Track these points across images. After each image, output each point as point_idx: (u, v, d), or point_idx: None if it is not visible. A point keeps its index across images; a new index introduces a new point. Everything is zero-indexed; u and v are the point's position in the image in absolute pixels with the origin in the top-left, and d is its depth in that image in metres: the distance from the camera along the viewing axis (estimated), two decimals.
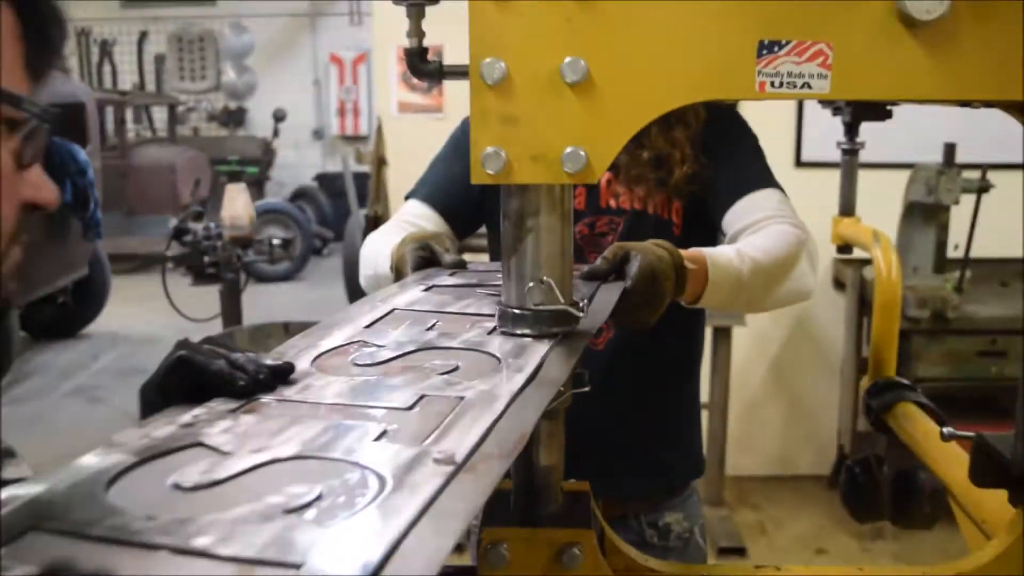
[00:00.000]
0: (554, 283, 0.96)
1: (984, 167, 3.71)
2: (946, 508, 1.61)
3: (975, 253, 3.86)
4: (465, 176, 1.77)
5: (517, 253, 0.97)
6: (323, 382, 0.86)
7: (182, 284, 4.59)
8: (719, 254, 1.41)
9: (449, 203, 1.76)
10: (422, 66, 0.95)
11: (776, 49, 0.86)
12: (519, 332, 0.98)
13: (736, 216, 1.61)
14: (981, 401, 4.10)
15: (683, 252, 1.32)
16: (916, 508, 1.64)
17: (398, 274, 1.41)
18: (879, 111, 1.82)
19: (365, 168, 6.12)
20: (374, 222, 4.81)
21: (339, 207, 10.64)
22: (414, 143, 4.63)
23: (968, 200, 3.71)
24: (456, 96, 4.57)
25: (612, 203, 1.74)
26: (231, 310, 4.69)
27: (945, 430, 1.27)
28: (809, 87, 0.86)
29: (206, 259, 4.08)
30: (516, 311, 0.98)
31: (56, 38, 0.81)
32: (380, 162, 4.73)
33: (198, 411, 0.79)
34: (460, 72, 0.94)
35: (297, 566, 0.52)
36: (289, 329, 4.58)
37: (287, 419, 0.77)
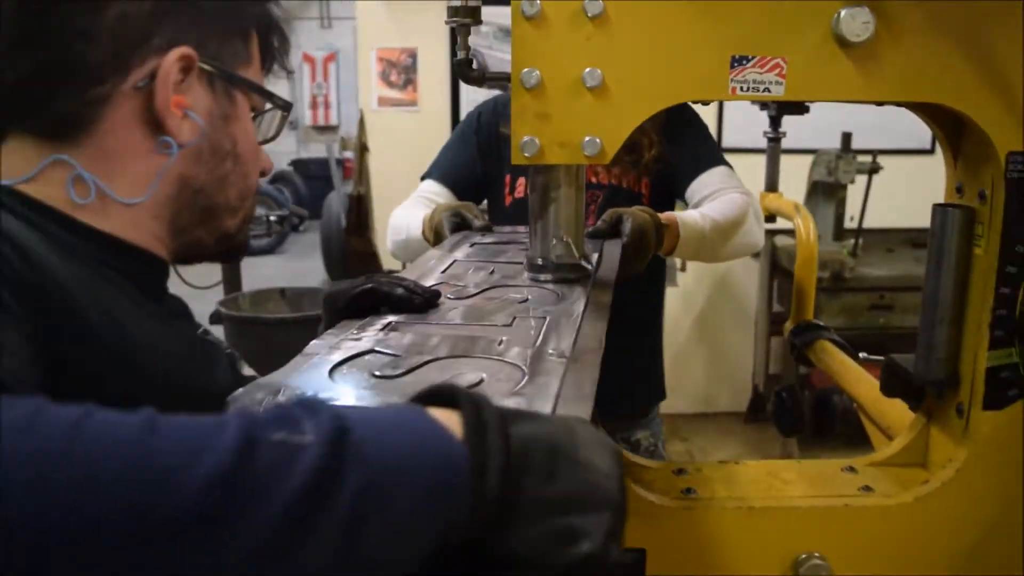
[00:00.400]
0: (571, 241, 1.10)
1: (875, 152, 3.91)
2: (854, 424, 1.78)
3: (867, 224, 4.06)
4: (468, 160, 1.95)
5: (543, 218, 1.10)
6: (438, 308, 1.01)
7: None
8: (686, 215, 1.60)
9: (458, 182, 1.93)
10: (469, 73, 1.06)
11: (745, 62, 0.99)
12: (542, 278, 1.12)
13: (696, 189, 1.80)
14: (872, 347, 4.31)
15: (660, 215, 1.50)
16: (831, 424, 1.81)
17: (437, 236, 1.55)
18: (798, 107, 1.97)
19: (348, 154, 6.19)
20: (357, 201, 4.89)
21: (313, 189, 10.61)
22: (392, 132, 4.72)
23: (861, 180, 3.91)
24: (428, 92, 4.63)
25: (594, 179, 1.91)
26: (232, 278, 4.73)
27: (861, 355, 1.43)
28: (769, 91, 1.00)
29: None
30: (540, 262, 1.12)
31: (283, 42, 0.92)
32: (363, 149, 4.78)
33: (356, 329, 0.92)
34: (499, 78, 1.05)
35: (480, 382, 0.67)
36: (285, 294, 4.64)
37: (428, 333, 0.90)
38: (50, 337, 0.67)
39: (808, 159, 4.10)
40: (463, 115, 4.57)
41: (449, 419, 0.51)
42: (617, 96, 1.00)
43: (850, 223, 4.11)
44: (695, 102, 1.91)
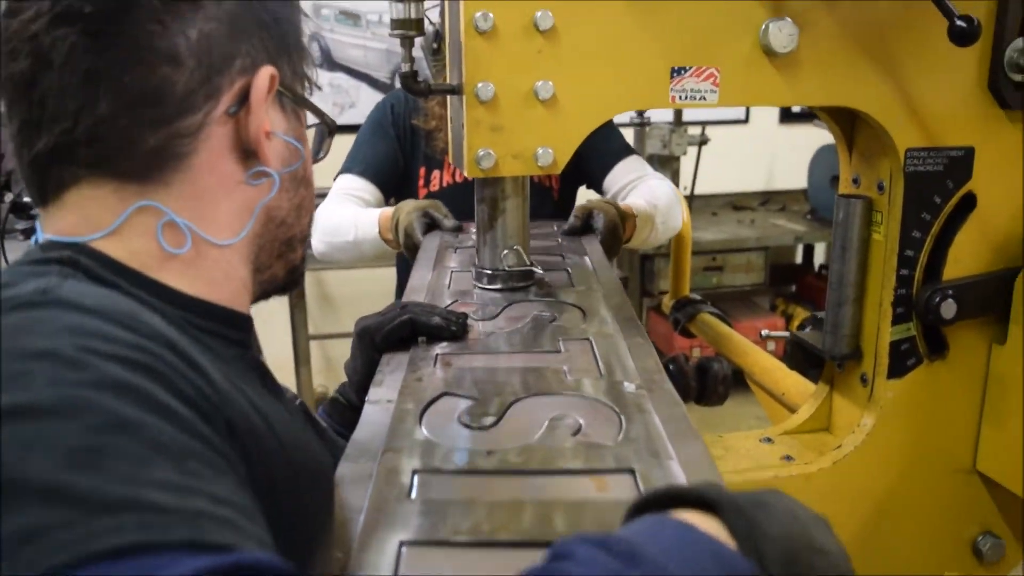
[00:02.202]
0: (521, 249, 1.10)
1: (703, 124, 4.10)
2: (732, 388, 1.88)
3: (697, 191, 4.26)
4: (389, 153, 1.87)
5: (492, 228, 1.10)
6: (474, 333, 0.98)
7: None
8: (637, 204, 1.65)
9: (381, 176, 1.85)
10: (414, 85, 1.03)
11: (683, 72, 1.02)
12: (492, 288, 1.12)
13: (615, 178, 1.84)
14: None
15: (620, 204, 1.54)
16: (712, 390, 1.90)
17: (407, 237, 1.50)
18: None
19: None
20: None
21: None
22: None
23: (692, 151, 4.10)
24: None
25: None
26: None
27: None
28: (704, 99, 1.03)
29: None
30: (490, 272, 1.11)
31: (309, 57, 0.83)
32: None
33: (409, 367, 0.88)
34: (444, 90, 1.03)
35: (632, 471, 0.62)
36: None
37: (488, 367, 0.87)
38: (239, 456, 0.58)
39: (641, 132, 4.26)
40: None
41: (711, 527, 0.50)
42: (568, 107, 1.00)
43: (684, 192, 4.30)
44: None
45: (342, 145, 4.38)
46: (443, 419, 0.74)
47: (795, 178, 4.75)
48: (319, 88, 0.83)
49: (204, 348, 0.65)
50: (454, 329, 0.97)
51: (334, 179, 1.94)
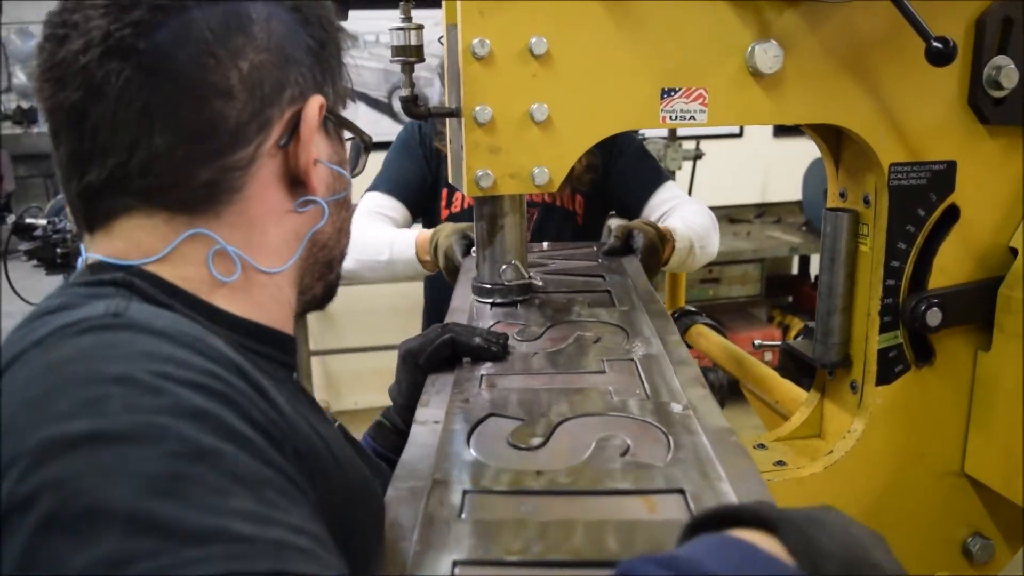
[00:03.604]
0: (519, 263, 1.14)
1: (697, 139, 4.15)
2: (728, 397, 1.92)
3: None
4: (416, 172, 1.89)
5: (491, 244, 1.14)
6: (517, 354, 0.98)
7: (33, 274, 4.28)
8: (675, 227, 1.67)
9: (408, 194, 1.88)
10: (414, 108, 1.07)
11: (673, 94, 1.06)
12: (490, 301, 1.15)
13: (653, 207, 1.87)
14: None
15: (659, 226, 1.56)
16: None
17: (447, 260, 1.52)
18: None
19: None
20: None
21: None
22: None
23: (687, 165, 4.15)
24: None
25: (527, 196, 1.91)
26: None
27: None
28: (694, 118, 1.07)
29: (58, 251, 3.84)
30: (489, 286, 1.15)
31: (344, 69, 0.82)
32: None
33: (454, 388, 0.87)
34: (444, 112, 1.07)
35: (682, 491, 0.61)
36: None
37: (532, 388, 0.87)
38: (308, 482, 0.58)
39: None
40: None
41: (770, 545, 0.49)
42: (562, 128, 1.04)
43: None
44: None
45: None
46: (491, 440, 0.74)
47: (790, 190, 4.80)
48: (353, 101, 0.84)
49: (261, 371, 0.64)
50: (495, 350, 0.98)
51: (361, 196, 1.96)
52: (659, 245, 1.52)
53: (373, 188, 1.93)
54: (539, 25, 1.00)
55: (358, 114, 4.54)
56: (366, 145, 0.84)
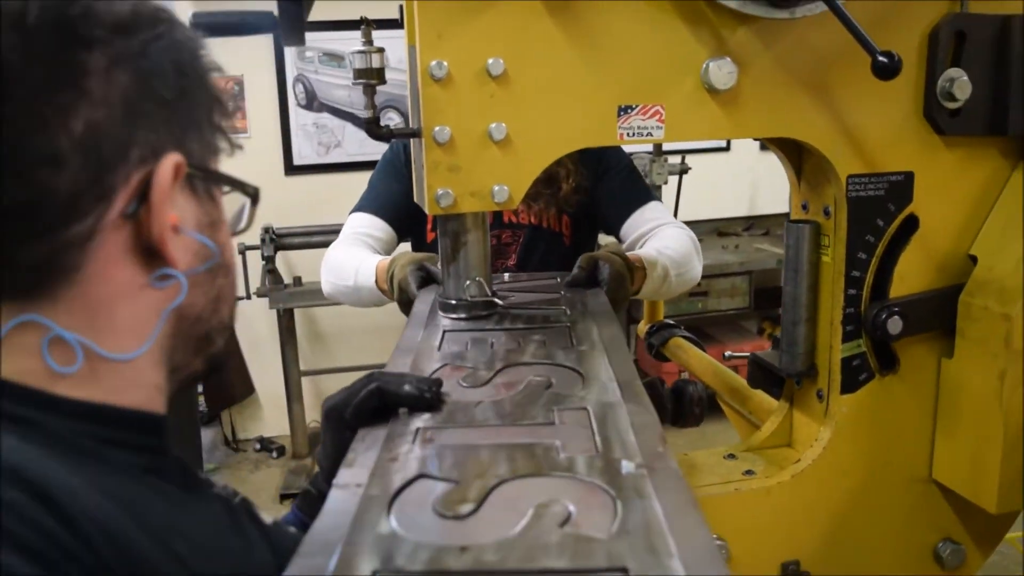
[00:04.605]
0: (483, 280, 1.16)
1: (683, 153, 4.18)
2: (707, 410, 1.93)
3: (681, 219, 4.32)
4: (401, 193, 1.87)
5: (455, 261, 1.16)
6: (459, 403, 0.88)
7: None
8: (647, 254, 1.61)
9: (392, 215, 1.87)
10: (377, 130, 1.09)
11: (630, 111, 1.08)
12: (454, 317, 1.17)
13: (633, 225, 1.83)
14: (693, 329, 4.63)
15: (628, 255, 1.51)
16: (688, 411, 1.94)
17: (401, 292, 1.46)
18: None
19: None
20: None
21: None
22: (223, 161, 4.56)
23: (672, 180, 4.17)
24: (257, 120, 4.50)
25: (513, 218, 1.90)
26: None
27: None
28: (651, 135, 1.10)
29: None
30: (454, 302, 1.17)
31: (227, 116, 0.74)
32: None
33: (385, 444, 0.78)
34: (406, 133, 1.09)
35: (624, 570, 0.55)
36: None
37: (473, 444, 0.77)
38: None
39: None
40: (294, 140, 4.51)
41: None
42: (521, 146, 1.06)
43: (679, 220, 4.37)
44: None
45: (331, 183, 4.41)
46: (416, 507, 0.65)
47: (778, 203, 4.83)
48: (240, 148, 0.74)
49: (98, 463, 0.60)
50: (428, 397, 0.86)
51: (347, 217, 1.95)
52: (626, 276, 1.45)
53: (357, 209, 1.92)
54: (496, 46, 1.02)
55: (345, 136, 4.57)
56: (252, 198, 0.75)
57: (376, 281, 1.61)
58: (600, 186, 1.93)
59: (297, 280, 4.24)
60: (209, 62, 0.71)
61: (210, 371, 0.76)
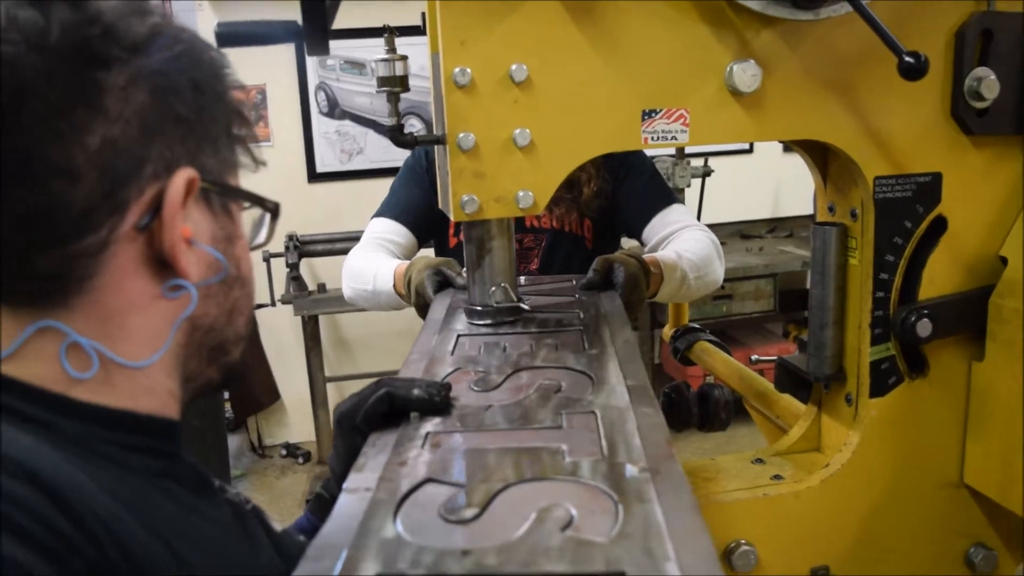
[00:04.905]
0: (508, 286, 1.16)
1: (706, 155, 4.16)
2: (733, 413, 1.92)
3: (704, 222, 4.31)
4: (423, 198, 1.88)
5: (479, 267, 1.16)
6: (469, 408, 0.89)
7: None
8: (665, 257, 1.61)
9: (413, 220, 1.89)
10: (401, 137, 1.10)
11: (654, 115, 1.08)
12: (481, 323, 1.17)
13: (655, 228, 1.83)
14: (717, 333, 4.61)
15: (644, 257, 1.51)
16: (715, 416, 1.92)
17: (418, 296, 1.47)
18: None
19: None
20: None
21: None
22: (246, 170, 4.60)
23: (696, 183, 4.16)
24: (280, 128, 4.54)
25: (535, 223, 1.91)
26: None
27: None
28: (676, 139, 1.09)
29: None
30: (480, 308, 1.17)
31: (249, 128, 0.77)
32: None
33: (395, 448, 0.80)
34: (430, 140, 1.10)
35: (622, 574, 0.55)
36: None
37: (480, 448, 0.79)
38: None
39: None
40: (316, 148, 4.54)
41: None
42: (545, 152, 1.06)
43: (701, 223, 4.36)
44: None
45: (353, 189, 4.44)
46: (422, 511, 0.67)
47: (801, 204, 4.80)
48: (264, 164, 0.77)
49: (110, 466, 0.63)
50: (437, 401, 0.87)
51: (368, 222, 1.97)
52: (641, 278, 1.45)
53: (378, 214, 1.94)
54: (519, 52, 1.03)
55: (367, 143, 4.60)
56: (272, 212, 0.77)
57: (394, 285, 1.62)
58: (622, 189, 1.93)
59: (321, 287, 4.26)
60: (231, 80, 0.74)
61: (227, 381, 0.78)
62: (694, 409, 1.98)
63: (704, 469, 1.31)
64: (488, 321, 1.17)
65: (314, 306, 4.15)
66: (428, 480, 0.72)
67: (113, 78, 0.62)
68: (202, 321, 0.71)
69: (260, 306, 4.32)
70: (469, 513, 0.66)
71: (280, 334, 4.60)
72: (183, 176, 0.65)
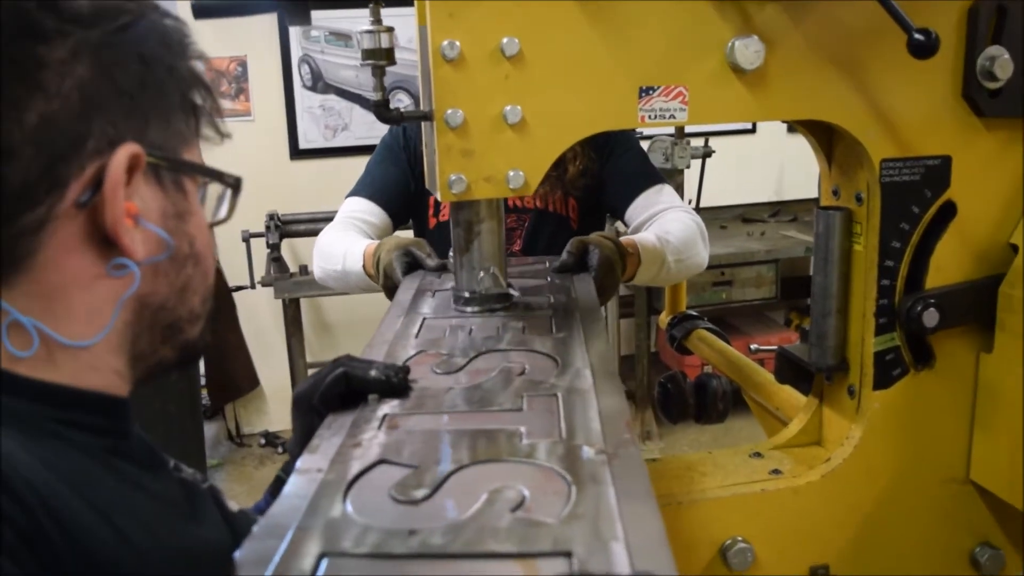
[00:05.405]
0: (497, 272, 1.15)
1: (706, 135, 4.15)
2: (732, 405, 1.92)
3: (706, 204, 4.31)
4: (399, 177, 1.87)
5: (468, 251, 1.15)
6: (430, 390, 0.91)
7: None
8: (644, 239, 1.61)
9: (388, 200, 1.88)
10: (386, 113, 1.09)
11: (651, 92, 1.07)
12: (469, 310, 1.17)
13: (639, 209, 1.83)
14: (716, 320, 4.62)
15: (621, 239, 1.52)
16: (712, 407, 1.93)
17: (386, 278, 1.48)
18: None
19: None
20: None
21: None
22: (226, 143, 4.57)
23: (695, 163, 4.15)
24: (261, 101, 4.51)
25: (518, 202, 1.90)
26: None
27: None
28: (674, 117, 1.09)
29: None
30: (468, 294, 1.17)
31: (212, 101, 0.79)
32: None
33: (350, 430, 0.81)
34: (417, 116, 1.09)
35: (569, 554, 0.57)
36: None
37: (436, 430, 0.80)
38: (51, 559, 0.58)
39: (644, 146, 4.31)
40: (299, 123, 4.51)
41: None
42: (536, 130, 1.06)
43: (688, 206, 4.36)
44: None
45: (338, 167, 4.42)
46: (373, 492, 0.68)
47: (806, 187, 4.80)
48: (228, 136, 0.78)
49: (51, 440, 0.65)
50: (395, 382, 0.88)
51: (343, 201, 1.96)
52: (616, 261, 1.45)
53: (352, 193, 1.93)
54: (510, 25, 1.02)
55: (353, 118, 4.57)
56: (233, 188, 0.78)
57: (364, 266, 1.62)
58: (607, 167, 1.92)
59: (303, 269, 4.24)
60: (192, 50, 0.74)
61: (184, 360, 0.79)
62: (690, 400, 1.99)
63: (700, 463, 1.31)
64: (476, 308, 1.16)
65: (295, 289, 4.13)
66: (381, 461, 0.73)
67: (53, 52, 0.63)
68: (151, 299, 0.72)
69: (239, 288, 4.31)
70: (420, 494, 0.67)
71: (260, 318, 4.59)
72: (125, 151, 0.66)
